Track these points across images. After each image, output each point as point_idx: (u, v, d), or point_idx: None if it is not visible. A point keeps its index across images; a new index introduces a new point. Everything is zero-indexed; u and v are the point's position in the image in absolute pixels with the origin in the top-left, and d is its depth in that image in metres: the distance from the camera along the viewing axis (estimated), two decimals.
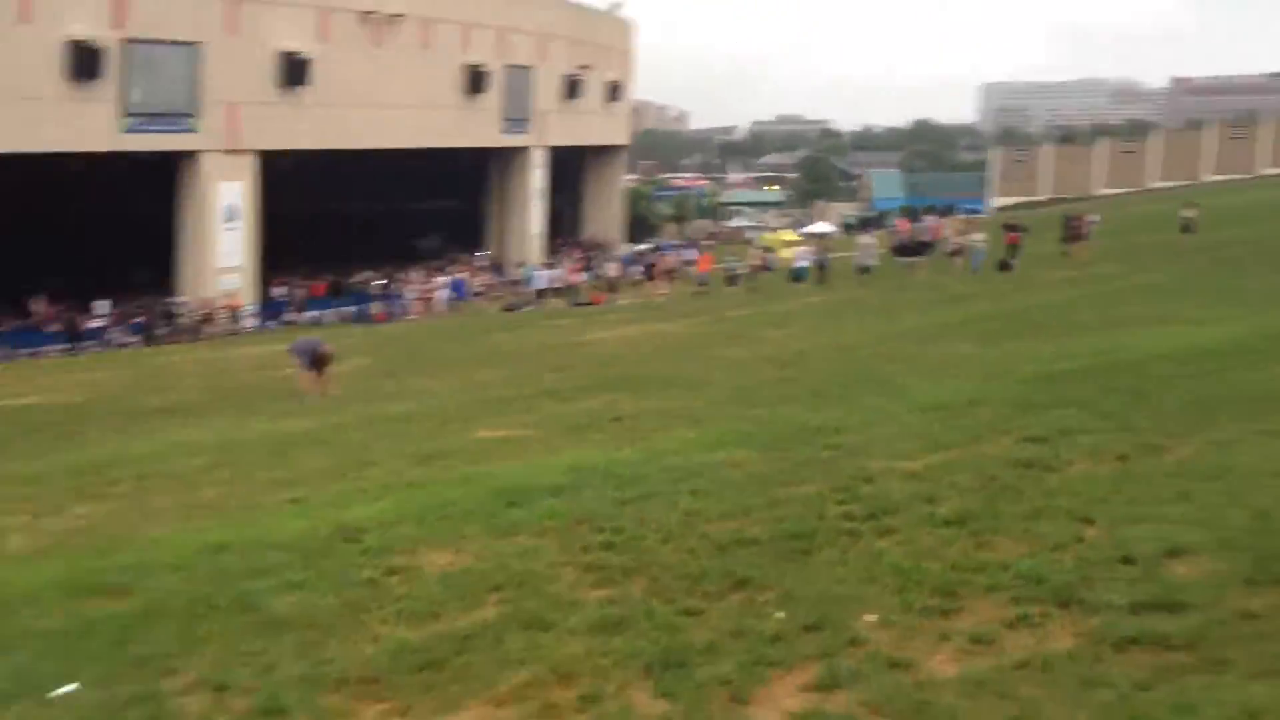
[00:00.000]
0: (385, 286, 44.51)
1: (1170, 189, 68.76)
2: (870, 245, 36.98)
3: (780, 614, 5.44)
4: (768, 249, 46.67)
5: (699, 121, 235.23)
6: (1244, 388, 10.26)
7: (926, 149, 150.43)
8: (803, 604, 5.56)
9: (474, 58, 47.73)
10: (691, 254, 51.80)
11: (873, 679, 4.63)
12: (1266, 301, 17.23)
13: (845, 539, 6.80)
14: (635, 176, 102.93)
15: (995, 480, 8.08)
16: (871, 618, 5.36)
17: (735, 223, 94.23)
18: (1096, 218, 36.26)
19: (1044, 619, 5.25)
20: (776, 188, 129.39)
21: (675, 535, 7.16)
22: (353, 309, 43.05)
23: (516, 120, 51.23)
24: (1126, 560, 6.06)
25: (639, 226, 70.65)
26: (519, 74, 50.82)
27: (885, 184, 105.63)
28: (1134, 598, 5.40)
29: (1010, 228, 35.41)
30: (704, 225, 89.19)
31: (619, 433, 12.19)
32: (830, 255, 38.88)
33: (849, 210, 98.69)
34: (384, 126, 43.75)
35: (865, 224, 74.45)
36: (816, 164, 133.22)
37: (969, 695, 4.44)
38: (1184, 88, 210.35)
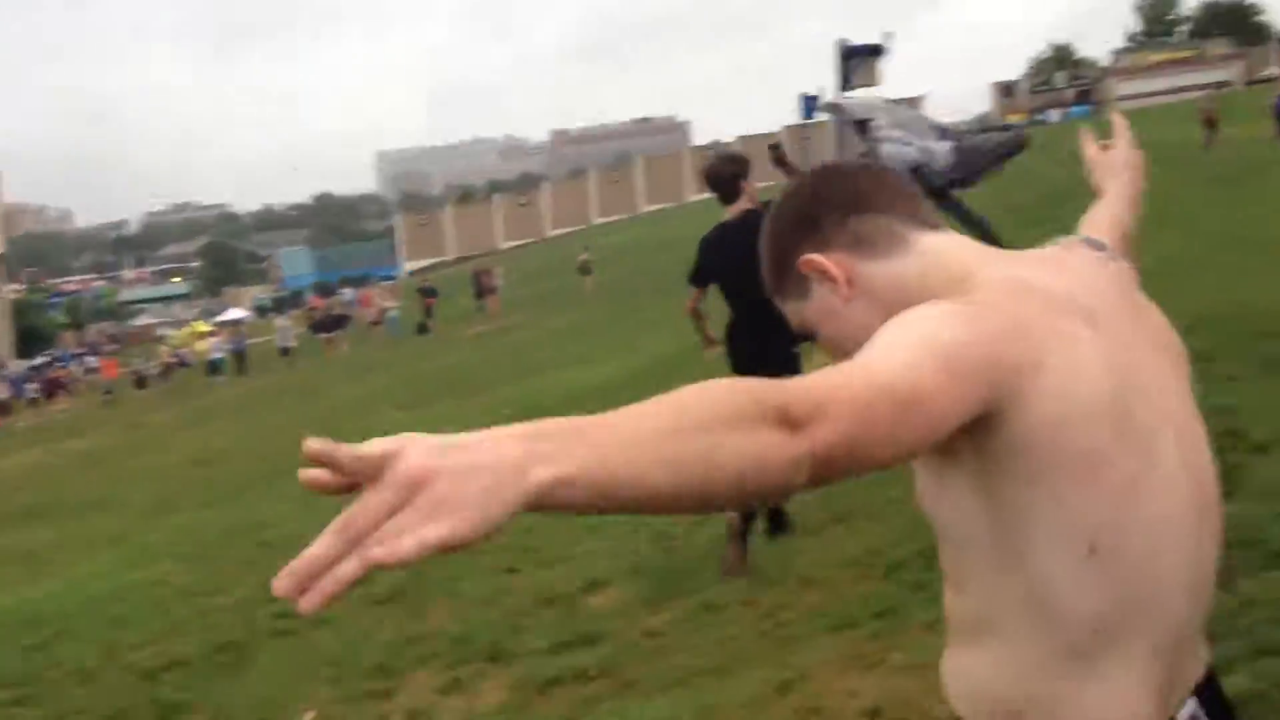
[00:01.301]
0: None
1: (566, 235, 73.46)
2: (287, 327, 36.85)
3: None
4: (179, 345, 44.99)
5: (85, 219, 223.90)
6: None
7: (332, 222, 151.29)
8: (235, 718, 5.35)
9: None
10: (93, 361, 48.83)
11: None
12: (656, 328, 18.59)
13: (278, 640, 6.63)
14: (18, 287, 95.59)
15: None
16: (309, 715, 5.25)
17: (142, 321, 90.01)
18: (500, 271, 38.14)
19: (476, 677, 5.36)
20: (180, 279, 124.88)
21: (95, 673, 6.66)
22: None
23: None
24: (548, 602, 6.34)
25: (32, 339, 65.65)
26: None
27: (294, 261, 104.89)
28: (555, 638, 5.65)
29: (424, 291, 36.60)
30: (105, 328, 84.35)
31: (31, 568, 11.23)
32: (247, 341, 38.18)
33: (261, 293, 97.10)
34: None
35: (280, 305, 73.46)
36: (219, 250, 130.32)
37: None
38: (563, 139, 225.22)
